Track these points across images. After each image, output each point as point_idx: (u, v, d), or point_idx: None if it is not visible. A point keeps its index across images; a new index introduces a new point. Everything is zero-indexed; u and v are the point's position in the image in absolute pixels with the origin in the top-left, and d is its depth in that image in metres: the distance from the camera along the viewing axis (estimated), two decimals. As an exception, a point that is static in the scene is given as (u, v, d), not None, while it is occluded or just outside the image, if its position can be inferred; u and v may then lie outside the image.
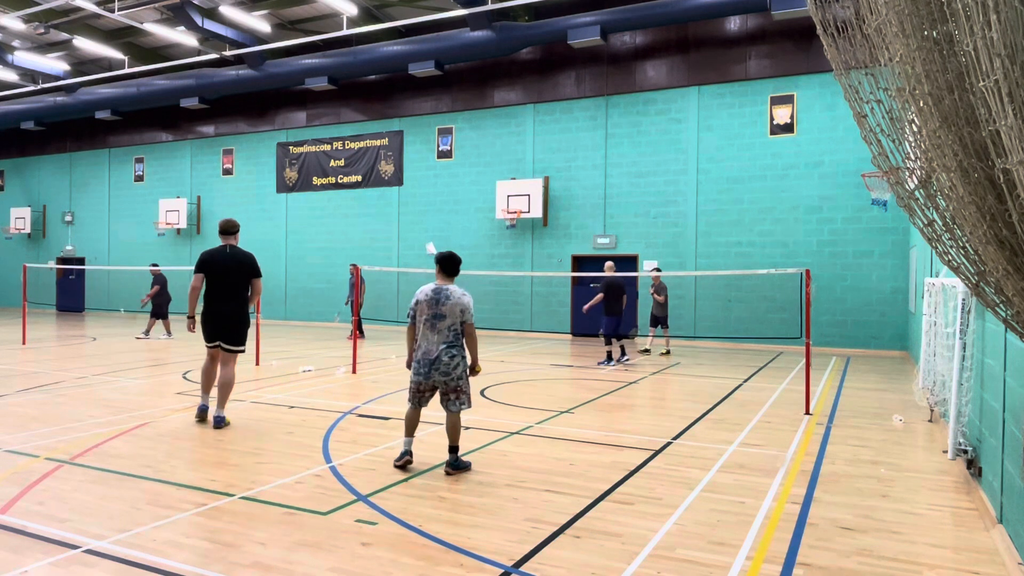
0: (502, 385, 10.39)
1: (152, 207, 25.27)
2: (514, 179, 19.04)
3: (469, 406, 5.88)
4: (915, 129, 2.76)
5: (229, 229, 7.59)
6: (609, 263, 12.90)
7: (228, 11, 17.86)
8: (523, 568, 3.89)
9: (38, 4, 18.23)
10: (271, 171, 23.25)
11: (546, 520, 4.65)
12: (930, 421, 8.07)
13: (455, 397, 5.77)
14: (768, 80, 16.63)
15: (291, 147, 22.84)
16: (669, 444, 6.85)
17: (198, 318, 7.65)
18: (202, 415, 7.52)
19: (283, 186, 23.01)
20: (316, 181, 22.40)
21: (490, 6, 16.99)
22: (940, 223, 2.79)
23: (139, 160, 25.95)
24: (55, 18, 19.40)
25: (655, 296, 14.63)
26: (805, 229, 16.23)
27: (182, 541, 4.22)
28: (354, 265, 13.38)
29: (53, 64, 22.94)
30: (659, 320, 14.77)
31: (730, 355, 15.10)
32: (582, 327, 18.35)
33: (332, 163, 22.12)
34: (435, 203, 20.54)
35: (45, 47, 22.76)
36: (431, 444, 6.56)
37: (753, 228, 16.72)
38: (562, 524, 4.58)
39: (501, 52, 18.37)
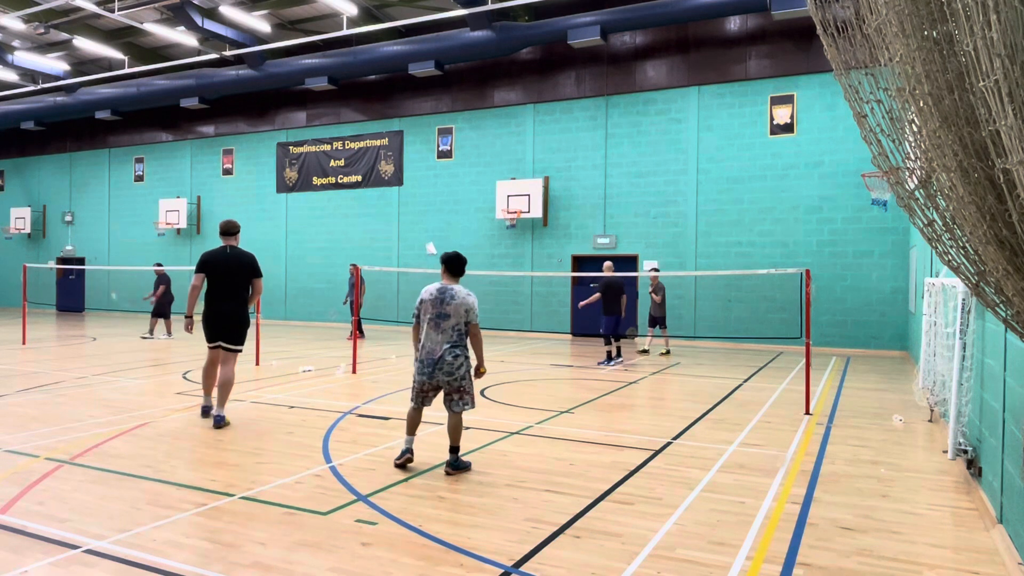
0: (502, 385, 10.39)
1: (152, 207, 25.27)
2: (514, 179, 19.05)
3: (473, 406, 5.87)
4: (915, 129, 2.76)
5: (230, 230, 7.66)
6: (607, 263, 12.90)
7: (228, 11, 17.86)
8: (523, 568, 3.89)
9: (38, 4, 18.23)
10: (271, 171, 23.25)
11: (546, 520, 4.65)
12: (930, 421, 8.07)
13: (458, 397, 5.76)
14: (768, 80, 16.63)
15: (291, 147, 22.84)
16: (669, 444, 6.85)
17: (197, 318, 7.69)
18: (206, 414, 7.67)
19: (283, 186, 23.02)
20: (316, 181, 22.41)
21: (490, 6, 16.99)
22: (940, 223, 2.79)
23: (139, 160, 25.95)
24: (55, 18, 19.40)
25: (652, 296, 14.64)
26: (805, 229, 16.23)
27: (182, 541, 4.22)
28: (354, 265, 13.38)
29: (53, 64, 22.94)
30: (657, 320, 14.78)
31: (730, 355, 15.10)
32: (582, 327, 18.35)
33: (332, 163, 22.12)
34: (435, 203, 20.55)
35: (45, 47, 22.76)
36: (431, 444, 6.56)
37: (753, 228, 16.72)
38: (562, 524, 4.58)
39: (501, 52, 18.37)
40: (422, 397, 5.86)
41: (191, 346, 14.84)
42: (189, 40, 20.00)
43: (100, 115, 24.18)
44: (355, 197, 21.80)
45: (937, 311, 7.54)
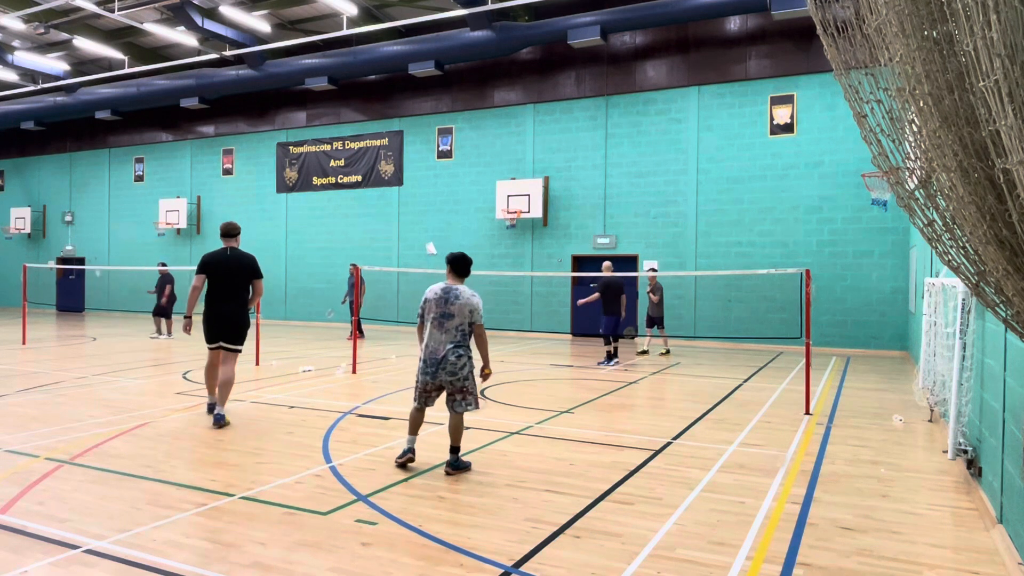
0: (502, 385, 10.39)
1: (152, 207, 25.27)
2: (514, 179, 19.05)
3: (477, 407, 5.83)
4: (915, 129, 2.76)
5: (230, 232, 7.75)
6: (607, 263, 12.90)
7: (228, 11, 17.87)
8: (523, 568, 3.89)
9: (38, 4, 18.22)
10: (271, 171, 23.25)
11: (546, 520, 4.65)
12: (930, 421, 8.07)
13: (461, 398, 5.75)
14: (768, 80, 16.63)
15: (291, 147, 22.84)
16: (669, 444, 6.85)
17: (197, 319, 7.73)
18: (212, 410, 7.73)
19: (283, 186, 23.02)
20: (316, 181, 22.41)
21: (490, 6, 16.99)
22: (940, 223, 2.79)
23: (139, 160, 25.95)
24: (55, 18, 19.40)
25: (650, 296, 14.64)
26: (805, 229, 16.23)
27: (182, 541, 4.22)
28: (354, 265, 13.38)
29: (53, 64, 22.94)
30: (655, 320, 14.77)
31: (730, 355, 15.10)
32: (582, 327, 18.35)
33: (332, 163, 22.12)
34: (435, 203, 20.55)
35: (45, 47, 22.76)
36: (431, 444, 6.56)
37: (753, 228, 16.72)
38: (562, 524, 4.58)
39: (501, 52, 18.37)
40: (425, 397, 5.85)
41: (191, 346, 14.84)
42: (189, 40, 20.00)
43: (100, 115, 24.18)
44: (355, 197, 21.80)
45: (937, 311, 7.54)
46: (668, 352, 14.94)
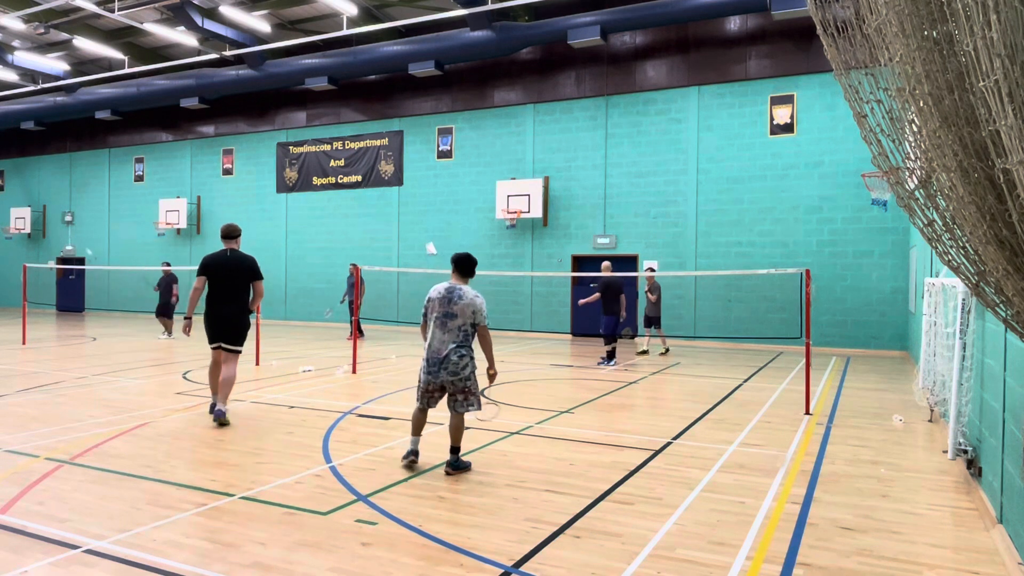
0: (502, 385, 10.39)
1: (152, 207, 25.27)
2: (514, 179, 19.04)
3: (478, 408, 5.81)
4: (915, 129, 2.76)
5: (231, 233, 7.80)
6: (606, 263, 12.90)
7: (228, 11, 17.86)
8: (523, 568, 3.89)
9: (38, 4, 18.22)
10: (271, 171, 23.25)
11: (546, 520, 4.65)
12: (930, 421, 8.07)
13: (463, 398, 5.74)
14: (768, 80, 16.63)
15: (291, 147, 22.84)
16: (669, 444, 6.85)
17: (197, 319, 7.75)
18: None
19: (283, 186, 23.01)
20: (316, 181, 22.40)
21: (490, 6, 16.99)
22: (940, 223, 2.79)
23: (139, 160, 25.95)
24: (55, 18, 19.40)
25: (648, 296, 14.64)
26: (805, 229, 16.23)
27: (182, 541, 4.22)
28: (354, 265, 13.38)
29: (53, 64, 22.94)
30: (652, 320, 14.77)
31: (730, 355, 15.10)
32: (582, 327, 18.35)
33: (332, 163, 22.12)
34: (435, 203, 20.54)
35: (45, 47, 22.76)
36: (431, 444, 6.56)
37: (753, 228, 16.72)
38: (562, 524, 4.58)
39: (501, 52, 18.37)
40: (427, 398, 5.84)
41: (191, 346, 14.85)
42: (189, 40, 20.00)
43: (100, 115, 24.18)
44: (355, 197, 21.80)
45: (937, 311, 7.54)
46: (667, 351, 14.94)
